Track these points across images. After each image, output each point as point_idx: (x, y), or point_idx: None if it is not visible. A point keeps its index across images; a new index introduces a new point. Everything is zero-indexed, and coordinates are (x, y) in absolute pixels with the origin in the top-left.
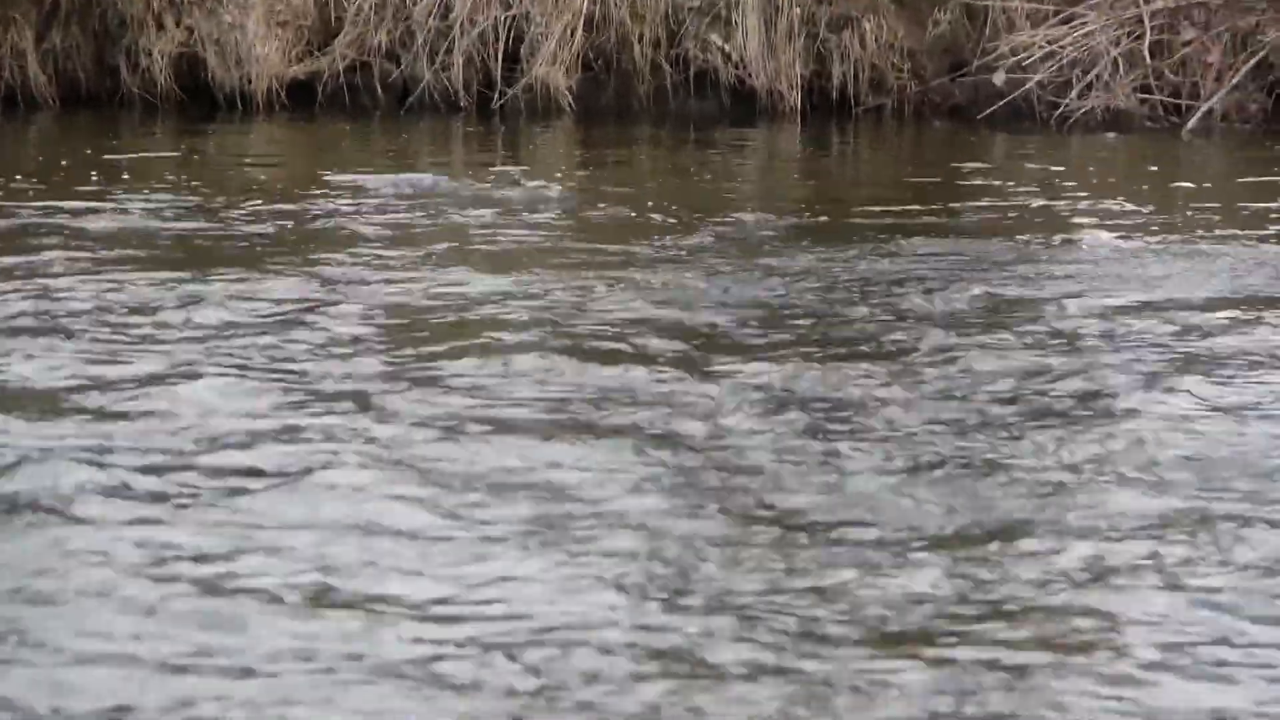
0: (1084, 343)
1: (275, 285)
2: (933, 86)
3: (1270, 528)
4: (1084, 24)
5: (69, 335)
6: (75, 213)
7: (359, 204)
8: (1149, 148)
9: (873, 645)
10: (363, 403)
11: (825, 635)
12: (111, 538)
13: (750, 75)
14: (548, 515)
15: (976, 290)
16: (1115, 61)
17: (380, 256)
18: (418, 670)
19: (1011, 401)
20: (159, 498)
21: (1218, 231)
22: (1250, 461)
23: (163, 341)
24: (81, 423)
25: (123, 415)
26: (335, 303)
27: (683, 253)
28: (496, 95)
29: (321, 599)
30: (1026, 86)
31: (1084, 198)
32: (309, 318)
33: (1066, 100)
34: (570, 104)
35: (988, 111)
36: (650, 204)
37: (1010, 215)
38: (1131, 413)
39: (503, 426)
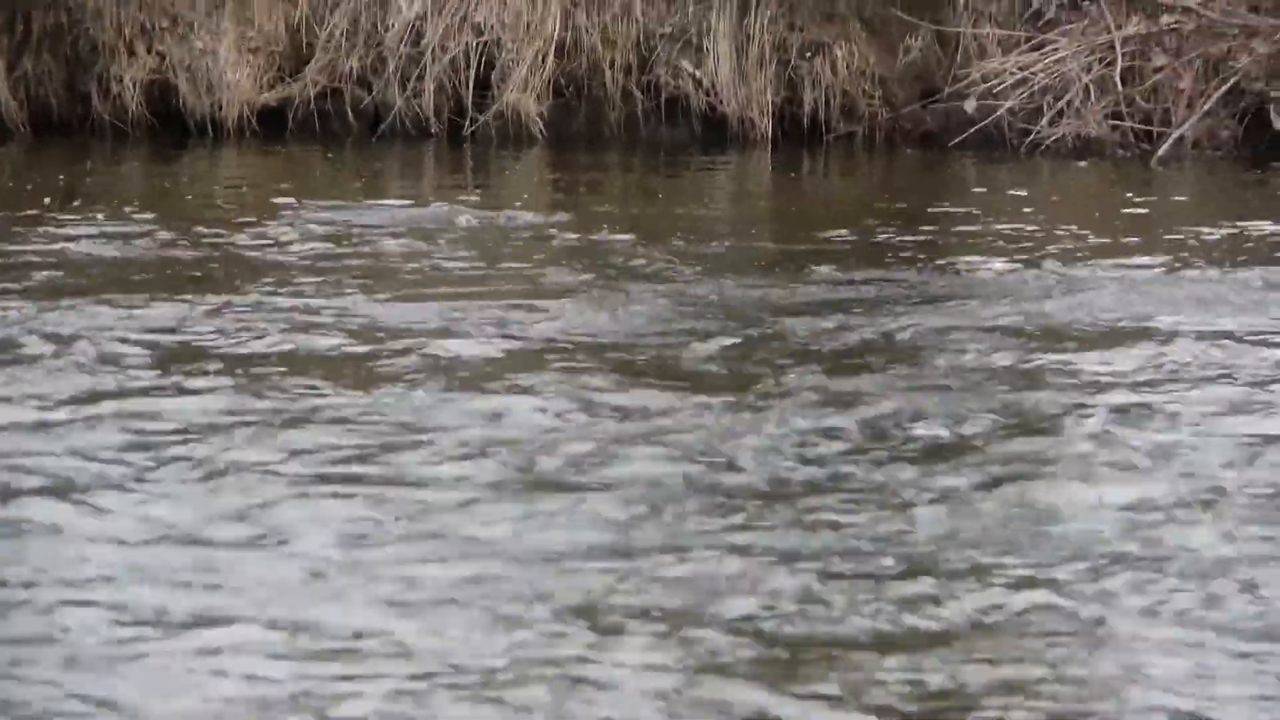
0: (981, 377)
1: (169, 311)
2: (904, 114)
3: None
4: (1056, 50)
5: None
6: (16, 238)
7: (315, 231)
8: (1119, 175)
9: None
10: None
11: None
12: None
13: (721, 102)
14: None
15: (889, 322)
16: (1087, 88)
17: (302, 283)
18: None
19: (877, 438)
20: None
21: (1176, 260)
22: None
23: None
24: None
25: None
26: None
27: (619, 280)
28: (468, 122)
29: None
30: (998, 114)
31: (1045, 226)
32: (213, 343)
33: (1038, 127)
34: (541, 131)
35: (959, 139)
36: (608, 230)
37: (966, 243)
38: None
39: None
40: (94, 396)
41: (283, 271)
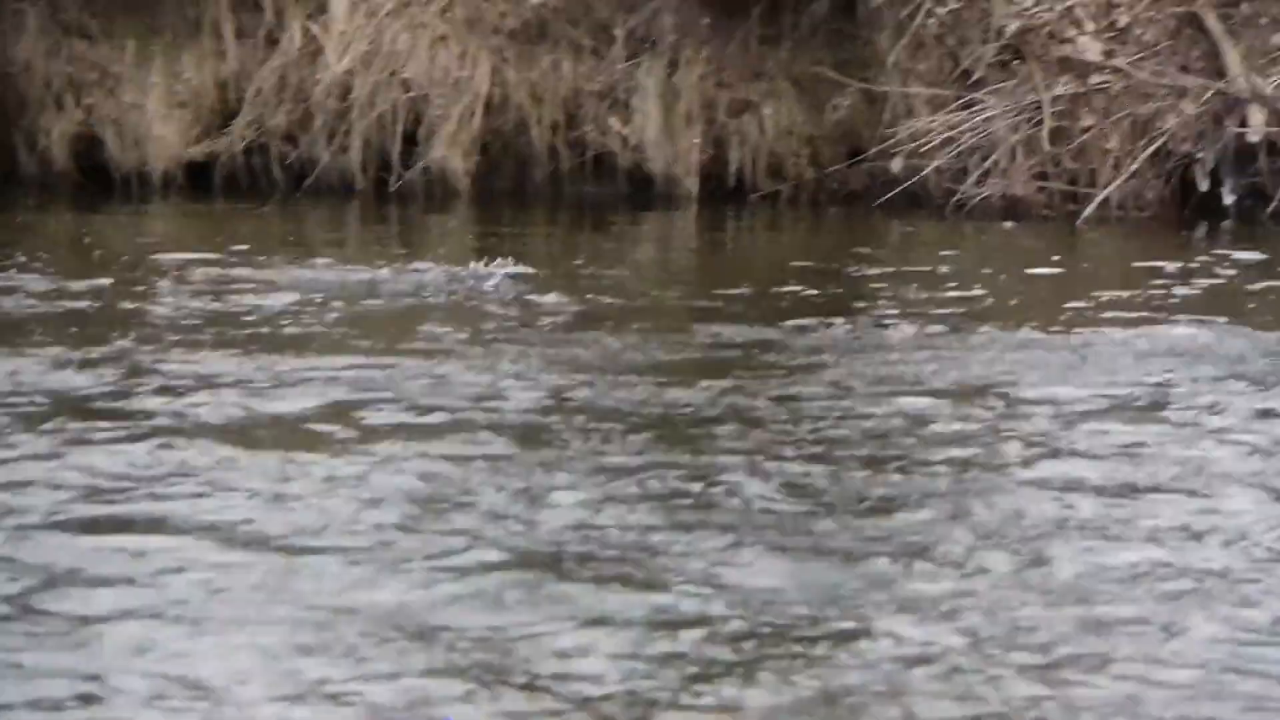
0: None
1: (39, 366)
2: (830, 173)
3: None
4: (984, 110)
5: None
6: None
7: (212, 289)
8: (1041, 237)
9: None
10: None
11: None
12: None
13: (648, 159)
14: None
15: (755, 383)
16: (1014, 148)
17: (187, 342)
18: None
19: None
20: None
21: (1066, 324)
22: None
23: None
24: None
25: None
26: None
27: (500, 338)
28: (394, 177)
29: None
30: (924, 173)
31: (953, 287)
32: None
33: (964, 187)
34: (467, 187)
35: (884, 198)
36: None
37: (869, 303)
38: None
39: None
40: None
41: (168, 330)
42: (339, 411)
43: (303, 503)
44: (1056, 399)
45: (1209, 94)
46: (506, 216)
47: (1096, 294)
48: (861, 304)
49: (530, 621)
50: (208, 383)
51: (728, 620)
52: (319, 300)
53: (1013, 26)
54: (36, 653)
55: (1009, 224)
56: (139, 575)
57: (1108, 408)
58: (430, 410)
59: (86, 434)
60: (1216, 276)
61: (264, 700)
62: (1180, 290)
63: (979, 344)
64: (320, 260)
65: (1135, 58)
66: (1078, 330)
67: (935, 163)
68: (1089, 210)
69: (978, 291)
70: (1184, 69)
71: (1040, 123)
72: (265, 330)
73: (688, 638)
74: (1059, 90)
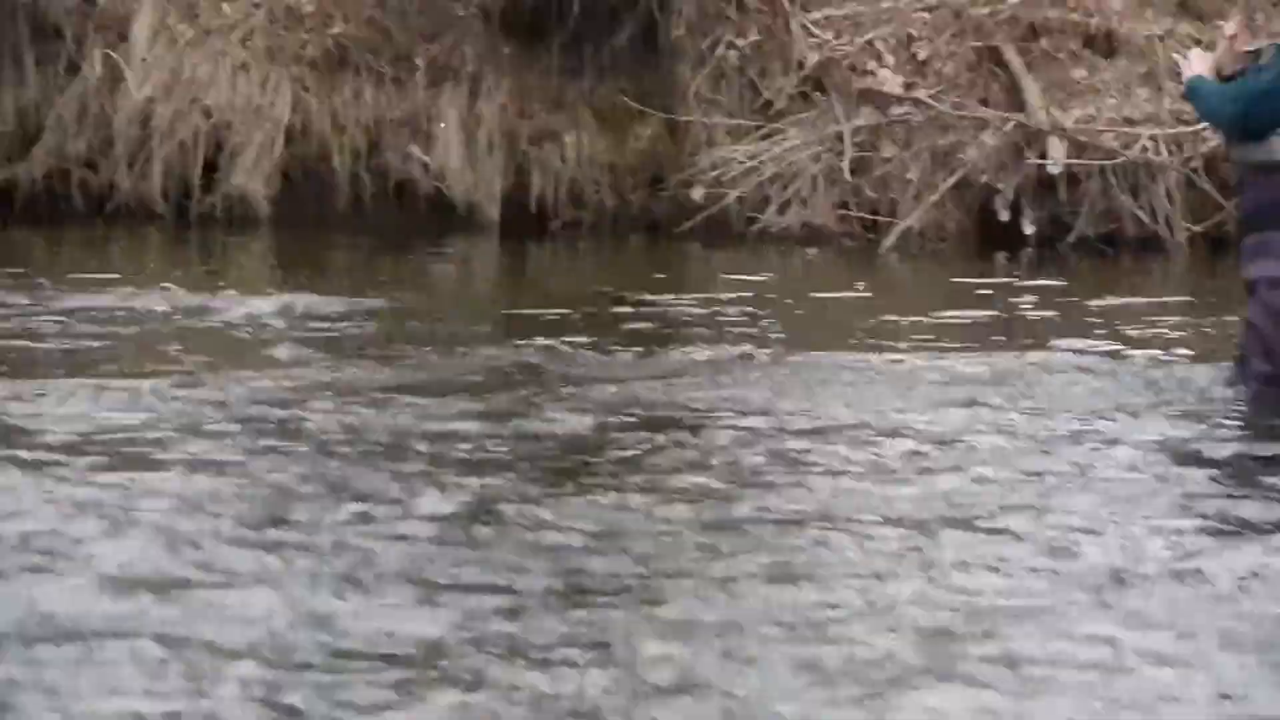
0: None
1: None
2: (632, 201)
3: None
4: (785, 140)
5: None
6: None
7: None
8: (842, 265)
9: None
10: None
11: None
12: None
13: (450, 187)
14: None
15: (506, 404)
16: (815, 178)
17: None
18: None
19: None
20: None
21: (846, 348)
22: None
23: None
24: None
25: None
26: None
27: (248, 360)
28: (195, 203)
29: None
30: (725, 202)
31: (741, 314)
32: None
33: (765, 216)
34: (269, 213)
35: (686, 226)
36: (300, 314)
37: (649, 328)
38: None
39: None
40: None
41: None
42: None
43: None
44: (809, 423)
45: (1009, 126)
46: (308, 242)
47: (886, 320)
48: (646, 328)
49: None
50: None
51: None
52: (90, 324)
53: (813, 59)
54: None
55: (811, 251)
56: None
57: (861, 429)
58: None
59: None
60: (1012, 304)
61: None
62: (974, 315)
63: (754, 367)
64: (126, 283)
65: (936, 90)
66: (856, 355)
67: (737, 192)
68: (890, 239)
69: (766, 317)
70: (984, 102)
71: (842, 153)
72: (43, 354)
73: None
74: (860, 121)
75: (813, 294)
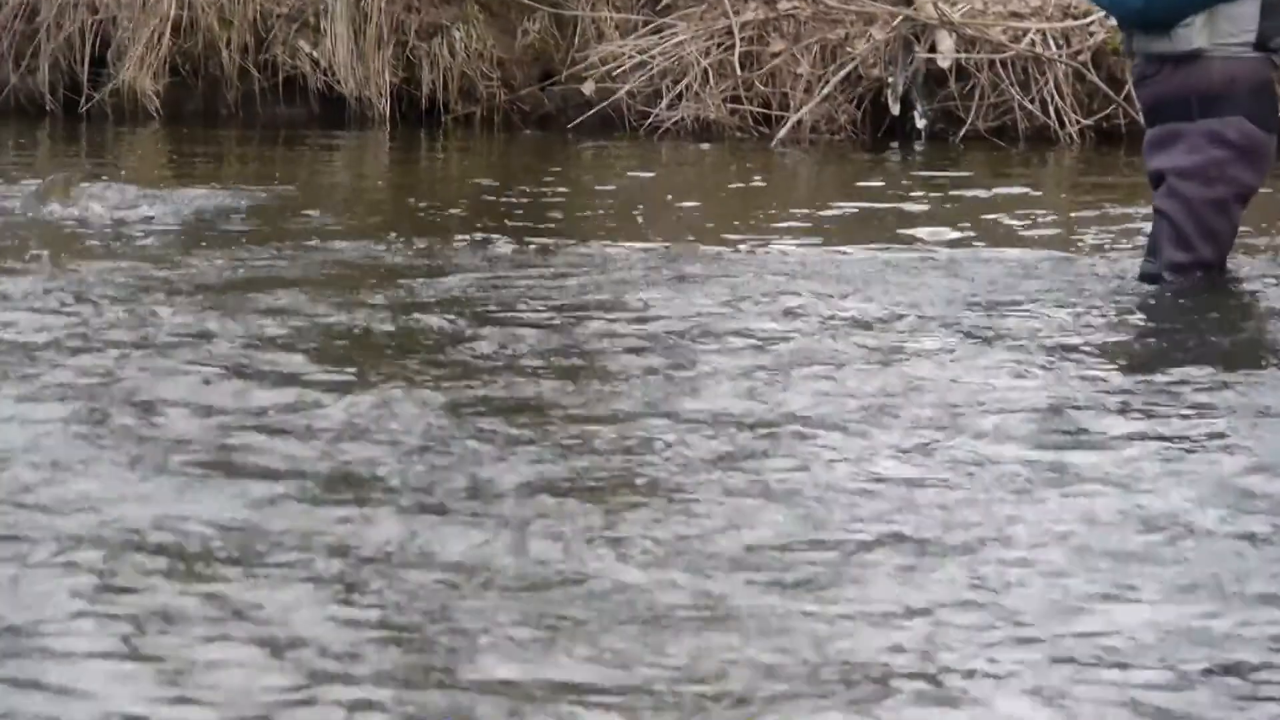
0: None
1: None
2: (522, 95)
3: None
4: (674, 34)
5: None
6: None
7: None
8: (735, 158)
9: None
10: None
11: None
12: None
13: (339, 82)
14: None
15: (390, 294)
16: (705, 72)
17: None
18: None
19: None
20: None
21: (737, 238)
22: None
23: None
24: None
25: None
26: None
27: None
28: (83, 99)
29: None
30: (616, 96)
31: (632, 206)
32: None
33: (656, 110)
34: (158, 109)
35: (577, 121)
36: (174, 209)
37: (537, 219)
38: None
39: None
40: None
41: None
42: None
43: None
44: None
45: (898, 20)
46: (197, 137)
47: (768, 212)
48: (524, 224)
49: None
50: None
51: None
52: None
53: None
54: None
55: (704, 146)
56: None
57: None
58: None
59: None
60: (898, 195)
61: None
62: (856, 207)
63: (618, 259)
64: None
65: None
66: (725, 247)
67: (627, 86)
68: (783, 132)
69: (646, 210)
70: None
71: (731, 48)
72: None
73: None
74: (748, 16)
75: (700, 186)
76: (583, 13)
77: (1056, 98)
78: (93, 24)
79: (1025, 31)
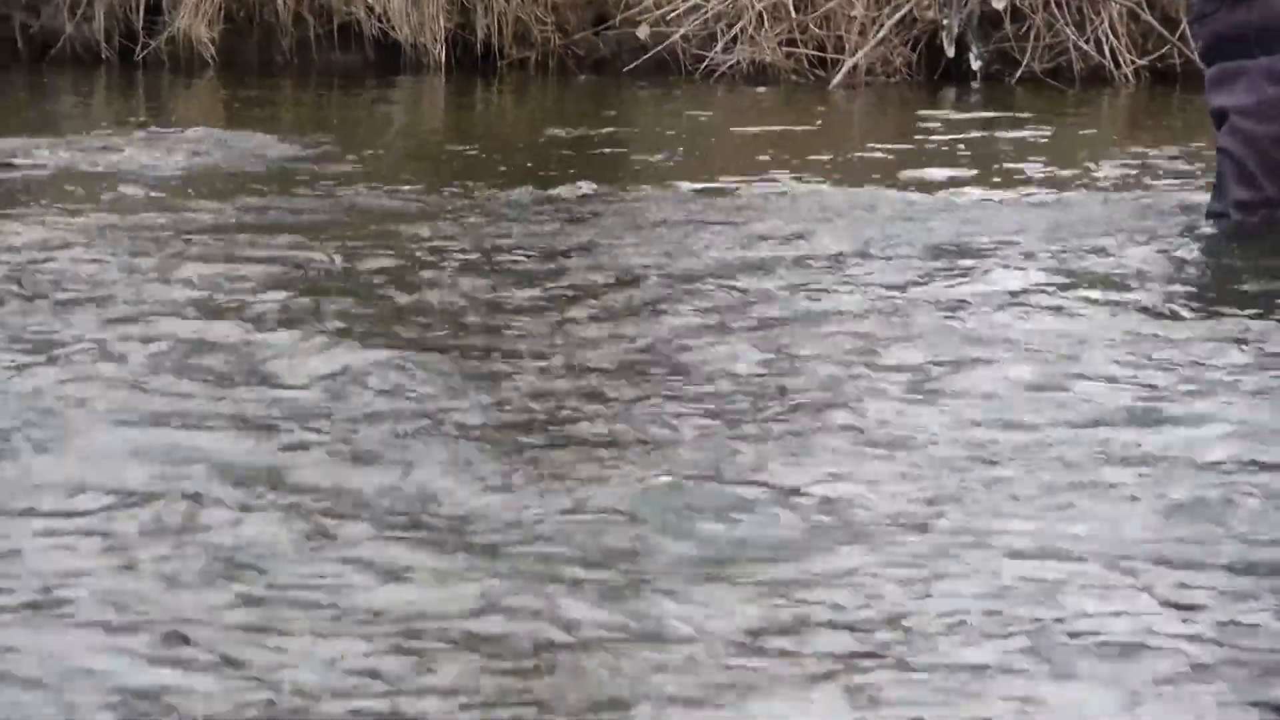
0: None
1: None
2: (576, 40)
3: None
4: None
5: None
6: None
7: None
8: (791, 101)
9: None
10: None
11: None
12: None
13: (394, 28)
14: None
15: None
16: (760, 15)
17: None
18: None
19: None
20: None
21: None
22: None
23: None
24: None
25: None
26: None
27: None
28: (139, 47)
29: None
30: (671, 40)
31: (667, 149)
32: None
33: (712, 54)
34: (213, 56)
35: (632, 65)
36: (249, 160)
37: (587, 164)
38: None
39: None
40: None
41: None
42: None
43: None
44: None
45: None
46: (253, 87)
47: (829, 154)
48: (568, 170)
49: None
50: None
51: None
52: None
53: None
54: None
55: (760, 89)
56: None
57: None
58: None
59: None
60: (959, 136)
61: None
62: (919, 147)
63: (671, 198)
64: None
65: None
66: (772, 185)
67: (681, 30)
68: (839, 76)
69: (693, 151)
70: None
71: None
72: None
73: None
74: None
75: (751, 129)
76: None
77: (1111, 38)
78: None
79: None
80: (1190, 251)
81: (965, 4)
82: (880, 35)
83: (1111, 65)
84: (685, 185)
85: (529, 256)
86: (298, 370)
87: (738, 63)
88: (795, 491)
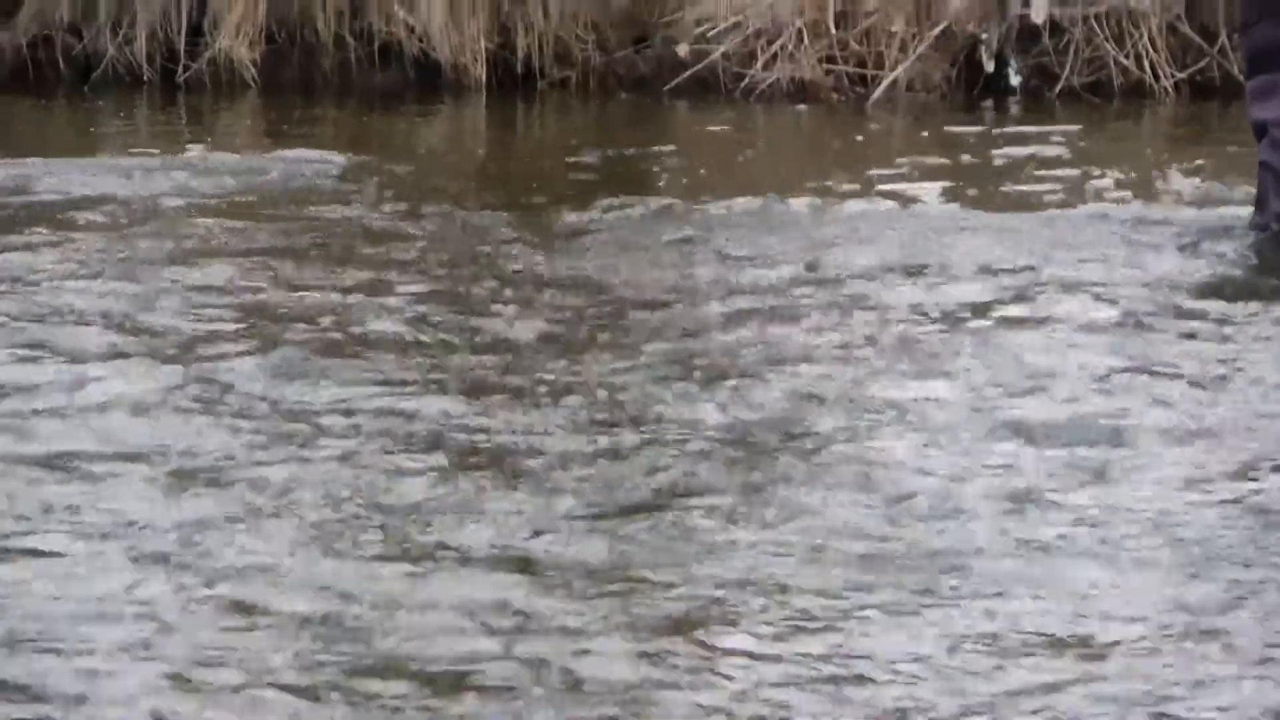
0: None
1: None
2: (617, 58)
3: None
4: None
5: None
6: None
7: None
8: (830, 118)
9: None
10: None
11: None
12: None
13: (434, 48)
14: None
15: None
16: (800, 31)
17: None
18: None
19: None
20: None
21: (843, 194)
22: None
23: None
24: None
25: None
26: None
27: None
28: (180, 69)
29: None
30: (711, 58)
31: (727, 166)
32: None
33: (752, 71)
34: (254, 78)
35: (673, 83)
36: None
37: (624, 181)
38: None
39: None
40: None
41: None
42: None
43: None
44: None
45: None
46: (295, 107)
47: (865, 170)
48: (622, 182)
49: None
50: None
51: None
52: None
53: None
54: None
55: (800, 106)
56: None
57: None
58: None
59: None
60: (998, 152)
61: None
62: (956, 162)
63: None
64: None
65: None
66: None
67: (722, 47)
68: (878, 92)
69: (725, 169)
70: None
71: (824, 7)
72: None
73: None
74: None
75: (787, 145)
76: None
77: (1151, 51)
78: None
79: None
80: (1232, 265)
81: (1004, 18)
82: (920, 50)
83: (1151, 79)
84: (715, 203)
85: (546, 280)
86: (329, 395)
87: (778, 80)
88: None
